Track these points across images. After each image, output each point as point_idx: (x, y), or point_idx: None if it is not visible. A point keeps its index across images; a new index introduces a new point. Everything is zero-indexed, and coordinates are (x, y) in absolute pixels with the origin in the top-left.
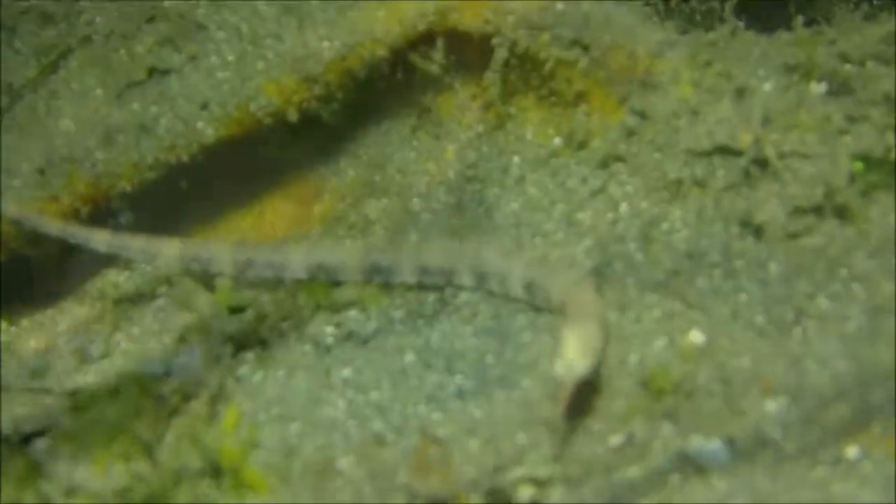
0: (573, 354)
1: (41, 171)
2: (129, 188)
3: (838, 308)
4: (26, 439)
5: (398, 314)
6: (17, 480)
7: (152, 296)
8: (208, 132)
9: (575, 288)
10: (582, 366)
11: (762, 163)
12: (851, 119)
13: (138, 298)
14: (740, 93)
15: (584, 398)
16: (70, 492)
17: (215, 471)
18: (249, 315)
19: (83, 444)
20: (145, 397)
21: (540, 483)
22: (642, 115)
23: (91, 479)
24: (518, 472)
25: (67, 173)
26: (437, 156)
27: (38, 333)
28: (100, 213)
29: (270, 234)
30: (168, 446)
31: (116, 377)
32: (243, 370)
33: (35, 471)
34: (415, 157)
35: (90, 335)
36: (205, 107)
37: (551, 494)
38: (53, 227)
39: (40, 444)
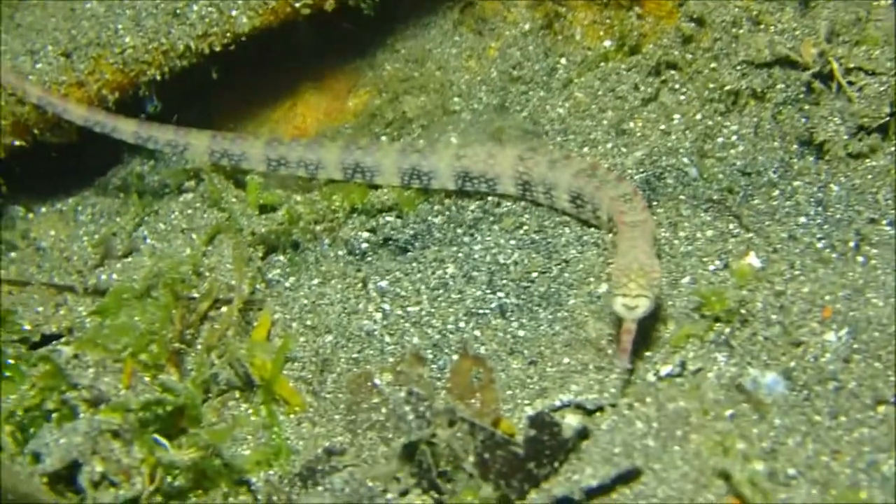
0: (636, 290)
1: (67, 55)
2: (158, 76)
3: None
4: (47, 341)
5: (437, 221)
6: (41, 386)
7: (178, 190)
8: (243, 21)
9: (626, 204)
10: (645, 304)
11: (826, 77)
12: None
13: (163, 192)
14: (805, 2)
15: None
16: (95, 402)
17: (246, 383)
18: (281, 215)
19: (109, 351)
20: (176, 302)
21: (587, 412)
22: (699, 22)
23: (117, 389)
24: (563, 397)
25: (94, 58)
26: (480, 53)
27: (57, 223)
28: (127, 101)
29: (301, 128)
30: (197, 356)
31: (144, 278)
32: (274, 274)
33: (58, 377)
34: (456, 54)
35: (112, 228)
36: None
37: (599, 423)
38: (78, 113)
39: (65, 351)
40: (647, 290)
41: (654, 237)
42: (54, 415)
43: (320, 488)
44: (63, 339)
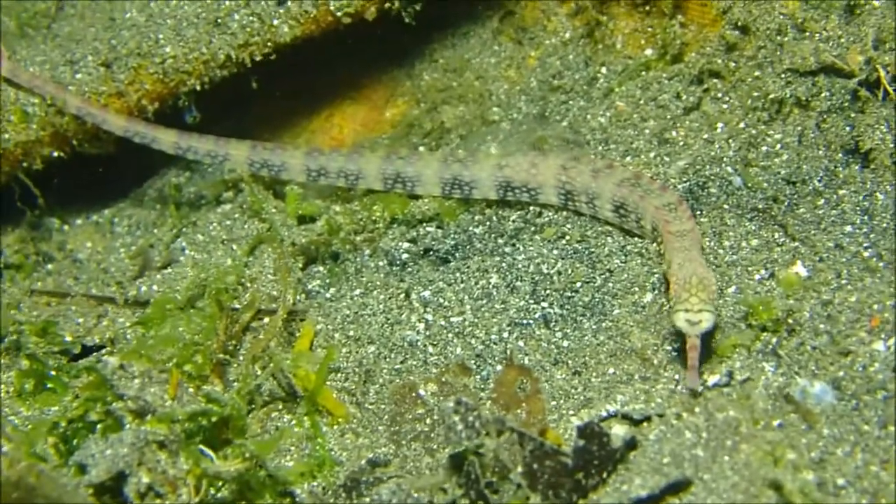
0: (698, 304)
1: (107, 65)
2: (198, 86)
3: None
4: (88, 353)
5: (478, 231)
6: (85, 397)
7: (217, 201)
8: (284, 30)
9: (671, 213)
10: (708, 318)
11: (872, 85)
12: None
13: (201, 203)
14: (850, 9)
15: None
16: (140, 413)
17: (290, 394)
18: (320, 226)
19: (154, 362)
20: (220, 313)
21: (634, 422)
22: (743, 29)
23: (162, 400)
24: (610, 407)
25: (134, 68)
26: (519, 63)
27: (93, 234)
28: (166, 112)
29: (338, 139)
30: (241, 367)
31: (187, 289)
32: (314, 285)
33: (103, 388)
34: (495, 63)
35: (150, 239)
36: (282, 3)
37: (648, 433)
38: (118, 124)
39: (110, 361)
40: (709, 303)
41: (701, 247)
42: (99, 426)
43: (367, 499)
44: (105, 350)
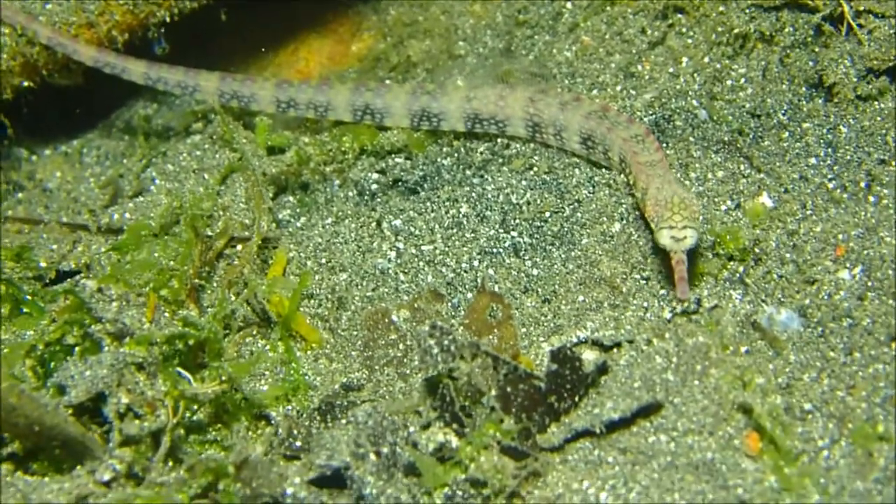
0: (682, 222)
1: None
2: (167, 17)
3: None
4: (62, 278)
5: (446, 162)
6: (63, 320)
7: (186, 132)
8: None
9: (639, 144)
10: (692, 234)
11: (836, 20)
12: None
13: (169, 134)
14: None
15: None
16: (119, 336)
17: (264, 320)
18: (290, 157)
19: (131, 287)
20: (195, 239)
21: (605, 348)
22: None
23: (140, 323)
24: (580, 333)
25: None
26: None
27: (62, 165)
28: (135, 43)
29: (305, 72)
30: (216, 292)
31: (161, 216)
32: (284, 214)
33: (82, 311)
34: None
35: (119, 169)
36: None
37: (618, 359)
38: (88, 54)
39: (89, 285)
40: (692, 220)
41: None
42: (77, 348)
43: (344, 421)
44: (81, 276)
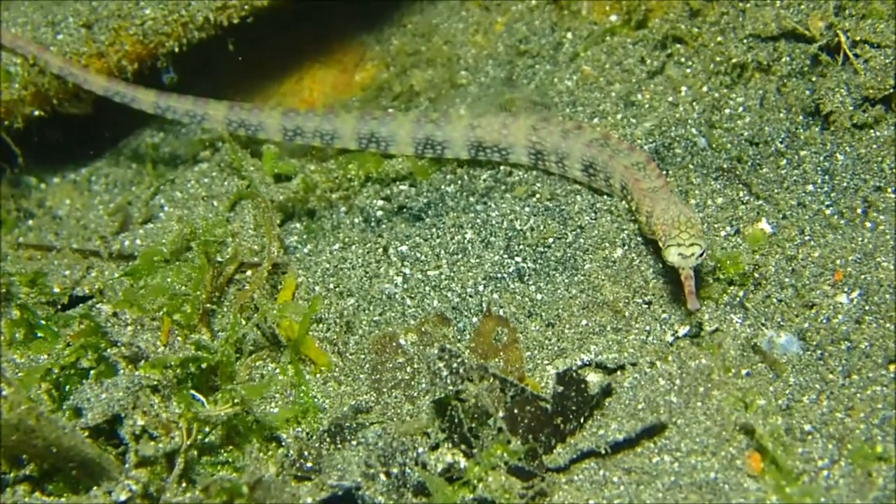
0: (689, 239)
1: (88, 26)
2: (176, 48)
3: None
4: (75, 304)
5: (450, 189)
6: (78, 344)
7: (193, 160)
8: None
9: (640, 172)
10: (699, 251)
11: (832, 50)
12: None
13: (177, 162)
14: None
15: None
16: (134, 359)
17: (273, 344)
18: (297, 184)
19: (145, 311)
20: (208, 264)
21: (608, 370)
22: None
23: (155, 347)
24: (584, 356)
25: (115, 29)
26: (487, 28)
27: (72, 192)
28: (145, 72)
29: (309, 101)
30: (227, 317)
31: (173, 242)
32: (291, 241)
33: (97, 335)
34: (463, 28)
35: (127, 197)
36: None
37: (622, 382)
38: (99, 83)
39: (104, 309)
40: (699, 238)
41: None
42: (92, 372)
43: (354, 442)
44: (93, 301)
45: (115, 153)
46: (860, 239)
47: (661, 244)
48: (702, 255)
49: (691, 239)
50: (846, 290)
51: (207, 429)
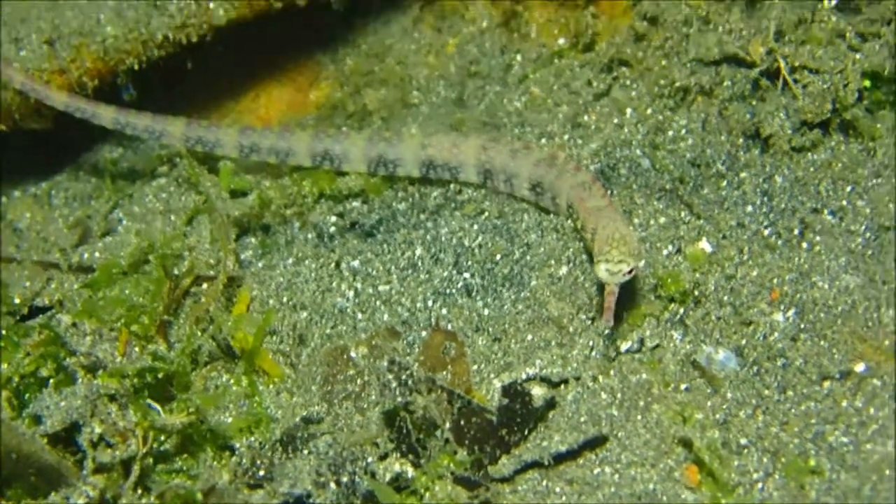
0: (618, 256)
1: (50, 43)
2: (136, 65)
3: (844, 223)
4: (35, 314)
5: (401, 207)
6: (38, 353)
7: (152, 175)
8: (220, 13)
9: (586, 191)
10: (626, 269)
11: (772, 75)
12: (862, 36)
13: (135, 177)
14: (752, 3)
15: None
16: (92, 369)
17: (228, 355)
18: (252, 200)
19: (103, 322)
20: (165, 277)
21: (552, 384)
22: (652, 21)
23: (113, 357)
24: (529, 370)
25: (76, 47)
26: (439, 49)
27: (32, 206)
28: (105, 89)
29: (265, 119)
30: (183, 328)
31: (131, 255)
32: (246, 255)
33: (57, 344)
34: (415, 50)
35: (87, 210)
36: None
37: (566, 395)
38: (60, 99)
39: (63, 319)
40: (628, 256)
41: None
42: (52, 380)
43: (305, 451)
44: (53, 312)
45: (74, 168)
46: (797, 259)
47: (594, 258)
48: (630, 272)
49: (620, 256)
50: (782, 308)
51: (163, 437)
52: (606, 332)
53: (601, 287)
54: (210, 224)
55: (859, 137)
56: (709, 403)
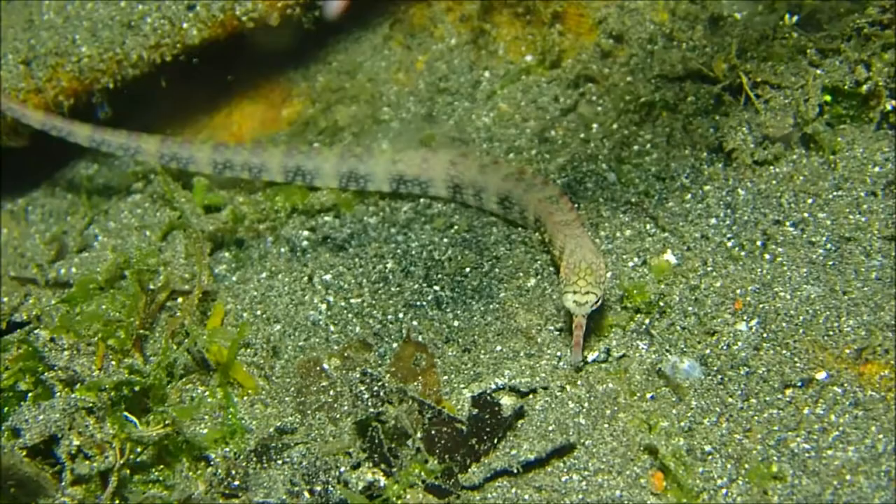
0: (585, 287)
1: (26, 63)
2: (111, 84)
3: (805, 235)
4: (12, 330)
5: (372, 221)
6: (17, 368)
7: (126, 191)
8: (193, 33)
9: (554, 205)
10: (593, 300)
11: (735, 91)
12: (823, 52)
13: (111, 193)
14: (715, 21)
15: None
16: (70, 382)
17: (203, 368)
18: (225, 215)
19: (80, 337)
20: (141, 292)
21: (521, 394)
22: (617, 38)
23: (90, 371)
24: (498, 381)
25: (52, 66)
26: (408, 66)
27: (9, 222)
28: (80, 107)
29: (238, 135)
30: (158, 342)
31: (107, 270)
32: (220, 269)
33: (35, 359)
34: (385, 67)
35: (63, 227)
36: (191, 7)
37: (534, 404)
38: (36, 118)
39: (42, 334)
40: (596, 286)
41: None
42: (30, 394)
43: (279, 461)
44: (30, 326)
45: (50, 184)
46: (759, 270)
47: (560, 284)
48: (597, 303)
49: (587, 287)
50: (745, 318)
51: (140, 449)
52: (579, 365)
53: (568, 312)
54: (185, 239)
55: (820, 151)
56: (674, 411)
